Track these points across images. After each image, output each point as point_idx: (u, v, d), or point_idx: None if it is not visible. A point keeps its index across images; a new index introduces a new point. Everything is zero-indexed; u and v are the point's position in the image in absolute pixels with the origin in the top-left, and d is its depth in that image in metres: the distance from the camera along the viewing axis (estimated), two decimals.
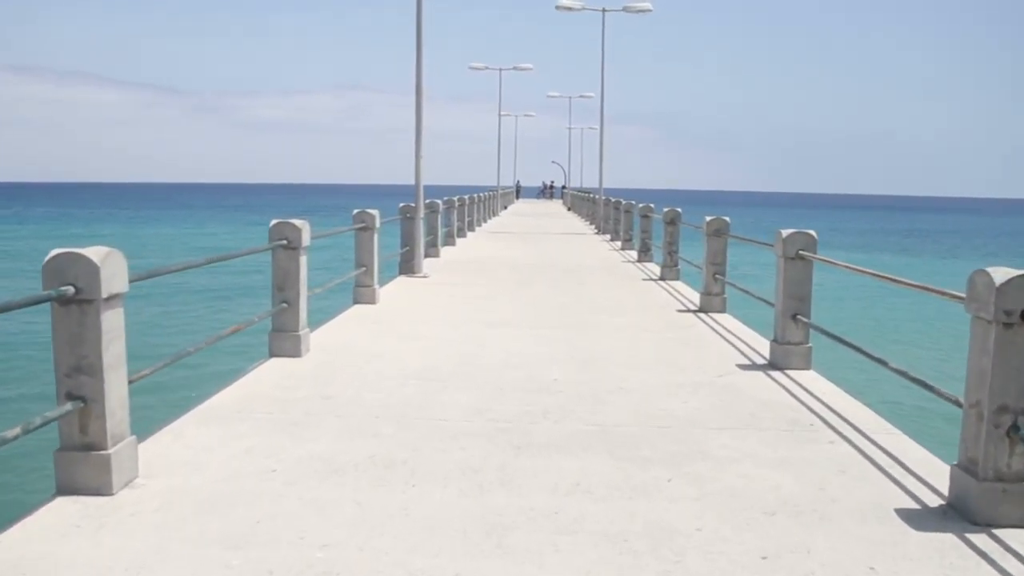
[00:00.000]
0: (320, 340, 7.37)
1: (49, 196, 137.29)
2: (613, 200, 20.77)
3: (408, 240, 12.59)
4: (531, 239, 21.21)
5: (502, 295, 10.54)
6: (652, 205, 15.36)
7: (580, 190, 48.59)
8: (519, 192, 75.69)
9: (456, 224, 19.04)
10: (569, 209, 44.94)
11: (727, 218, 9.65)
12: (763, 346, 7.44)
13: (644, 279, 12.71)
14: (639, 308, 9.76)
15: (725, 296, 9.63)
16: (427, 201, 15.39)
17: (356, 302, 9.61)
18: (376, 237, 9.72)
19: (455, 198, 18.47)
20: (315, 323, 8.15)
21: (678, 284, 12.05)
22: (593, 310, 9.47)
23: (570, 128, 57.19)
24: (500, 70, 37.92)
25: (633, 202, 18.11)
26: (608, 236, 22.00)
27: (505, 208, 42.77)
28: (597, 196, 27.70)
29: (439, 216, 15.39)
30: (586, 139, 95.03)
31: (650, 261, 15.22)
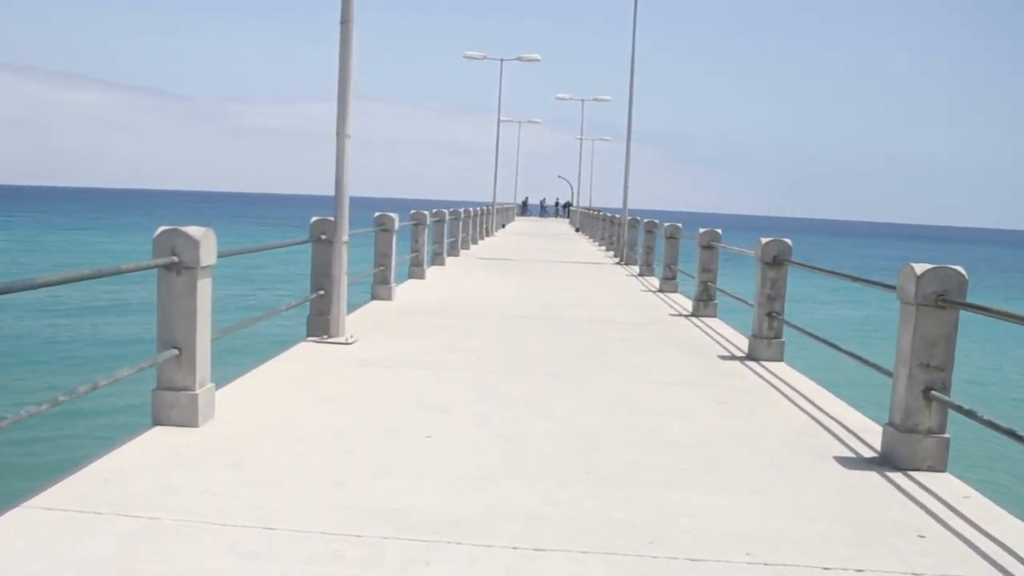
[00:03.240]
0: None
1: (31, 201, 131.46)
2: (645, 221, 15.59)
3: (321, 280, 7.39)
4: (532, 269, 15.99)
5: (473, 399, 5.32)
6: (719, 231, 10.17)
7: (590, 209, 43.50)
8: (526, 209, 69.63)
9: (429, 247, 13.86)
10: (578, 230, 39.78)
11: (961, 271, 4.44)
12: None
13: (723, 356, 7.46)
14: (763, 448, 4.54)
15: (947, 436, 4.44)
16: (377, 215, 10.23)
17: (158, 421, 4.43)
18: (204, 287, 4.50)
19: (428, 212, 13.30)
20: None
21: (784, 370, 6.83)
22: (667, 459, 4.24)
23: (581, 138, 51.92)
24: (501, 60, 32.66)
25: (679, 225, 12.92)
26: (637, 268, 16.80)
27: (503, 227, 37.62)
28: (616, 216, 22.56)
29: (394, 237, 10.20)
30: (596, 154, 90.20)
31: (713, 316, 10.01)
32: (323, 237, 7.32)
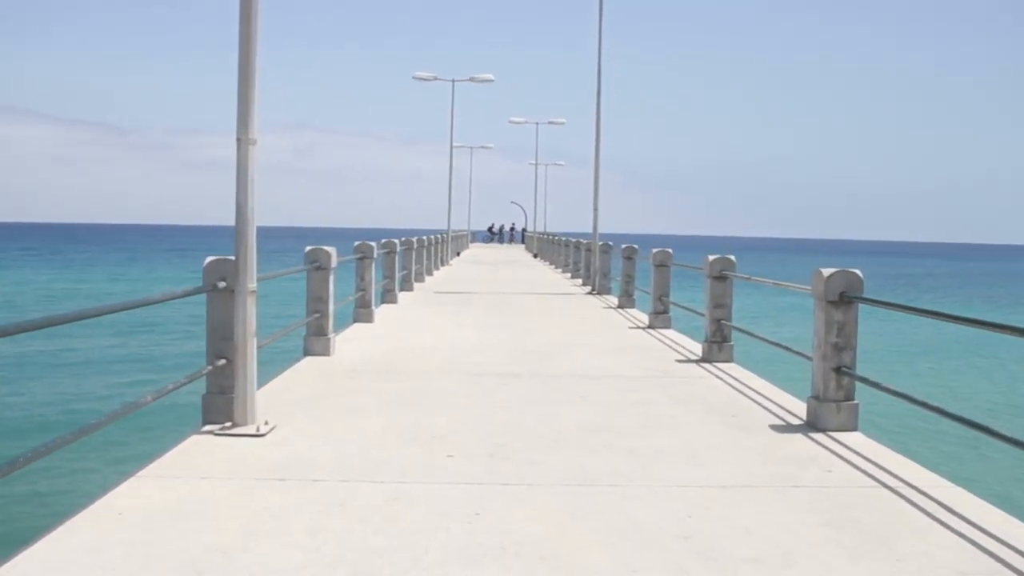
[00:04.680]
0: None
1: None
2: (624, 247, 13.70)
3: (220, 344, 5.29)
4: (498, 304, 13.99)
5: (446, 548, 3.27)
6: (732, 258, 8.30)
7: (547, 233, 41.81)
8: (493, 235, 66.19)
9: (377, 284, 11.80)
10: (536, 256, 37.96)
11: None
12: None
13: (777, 426, 5.51)
14: None
15: None
16: (309, 249, 8.19)
17: None
18: None
19: (374, 243, 11.23)
20: None
21: (869, 447, 4.93)
22: None
23: (536, 164, 50.36)
24: (453, 81, 30.83)
25: (669, 251, 11.07)
26: (613, 299, 14.96)
27: (458, 254, 35.65)
28: (583, 241, 20.74)
29: (331, 276, 8.13)
30: (549, 179, 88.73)
31: (729, 360, 8.13)
32: (221, 285, 5.24)
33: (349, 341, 9.10)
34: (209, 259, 5.37)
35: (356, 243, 10.97)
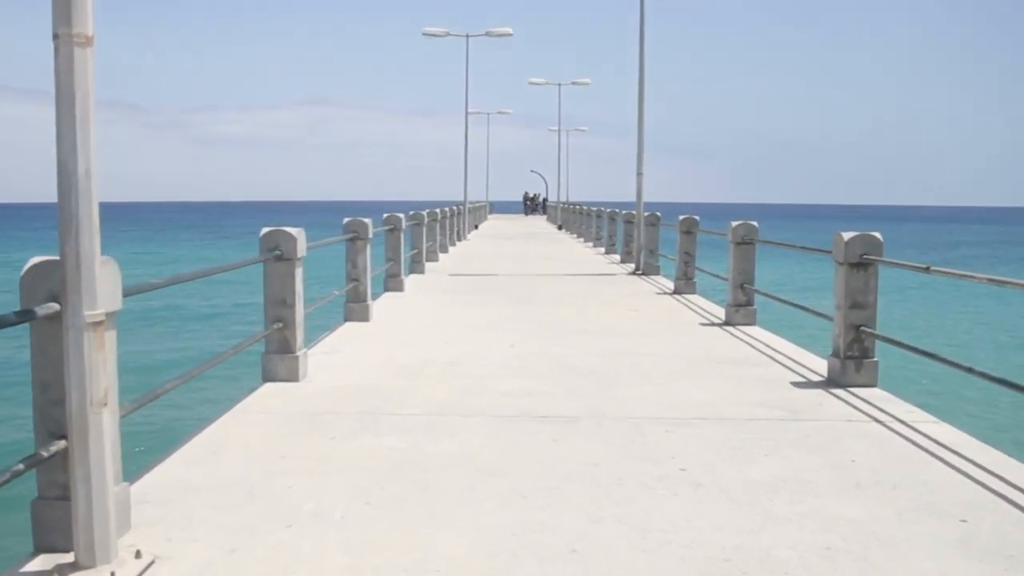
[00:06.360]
0: None
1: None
2: (681, 219, 11.13)
3: (53, 415, 2.90)
4: (526, 291, 11.54)
5: None
6: (877, 236, 5.79)
7: (570, 203, 39.22)
8: (535, 207, 58.68)
9: (376, 271, 9.39)
10: (560, 228, 35.40)
11: None
12: None
13: None
14: None
15: None
16: (266, 231, 5.80)
17: None
18: None
19: (369, 220, 8.78)
20: None
21: None
22: None
23: (559, 129, 47.48)
24: (467, 37, 28.11)
25: (753, 223, 8.56)
26: (665, 281, 12.52)
27: (476, 227, 33.19)
28: (620, 212, 18.25)
29: (297, 270, 5.73)
30: (571, 147, 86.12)
31: (872, 384, 5.65)
32: (46, 311, 2.84)
33: (332, 353, 6.73)
34: (33, 261, 2.97)
35: (346, 220, 8.58)
